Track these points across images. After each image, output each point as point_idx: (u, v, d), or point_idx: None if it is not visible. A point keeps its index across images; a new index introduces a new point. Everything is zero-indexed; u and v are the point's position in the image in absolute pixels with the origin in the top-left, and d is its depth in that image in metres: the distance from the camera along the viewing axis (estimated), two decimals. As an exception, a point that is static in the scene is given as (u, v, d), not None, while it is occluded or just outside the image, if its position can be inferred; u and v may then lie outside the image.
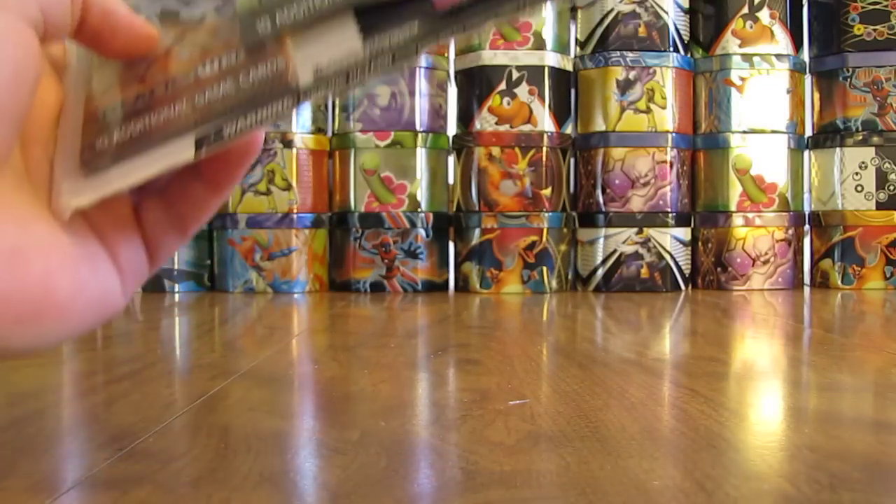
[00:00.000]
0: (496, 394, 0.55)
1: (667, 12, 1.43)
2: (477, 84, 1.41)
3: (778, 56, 1.45)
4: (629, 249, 1.41)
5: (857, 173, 1.45)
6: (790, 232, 1.44)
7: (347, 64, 0.25)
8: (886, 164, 1.44)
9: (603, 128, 1.43)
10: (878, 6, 1.45)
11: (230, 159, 0.28)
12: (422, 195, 1.43)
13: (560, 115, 1.43)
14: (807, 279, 1.52)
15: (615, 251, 1.41)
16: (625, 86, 1.42)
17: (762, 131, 1.44)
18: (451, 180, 1.47)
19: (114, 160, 0.26)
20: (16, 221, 0.24)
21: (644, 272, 1.40)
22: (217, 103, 0.25)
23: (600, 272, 1.41)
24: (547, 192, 1.40)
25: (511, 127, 1.40)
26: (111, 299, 0.27)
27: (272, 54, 0.25)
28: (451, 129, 1.49)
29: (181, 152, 0.26)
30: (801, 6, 1.52)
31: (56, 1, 0.24)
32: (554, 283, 1.39)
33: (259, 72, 0.25)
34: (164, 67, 0.26)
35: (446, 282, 1.46)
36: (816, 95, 1.52)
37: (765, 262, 1.43)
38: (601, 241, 1.41)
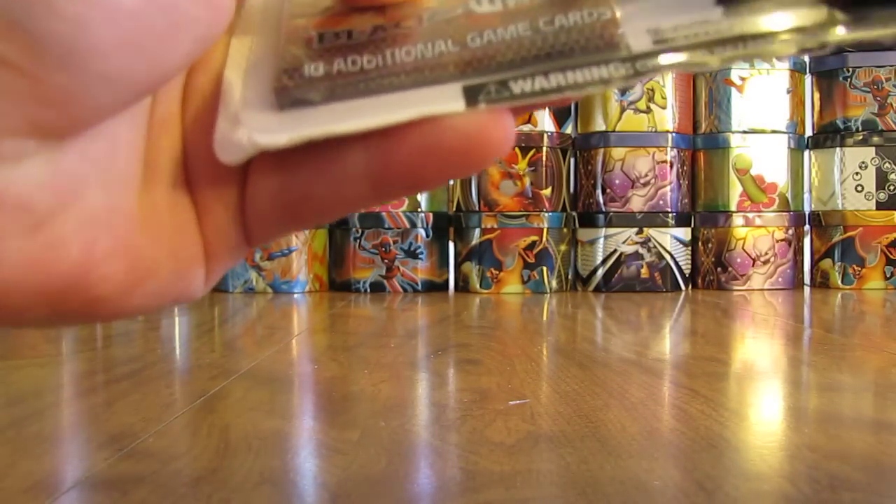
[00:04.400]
0: (496, 394, 0.55)
1: (667, 12, 1.43)
2: (477, 84, 1.41)
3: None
4: (629, 249, 1.41)
5: (857, 173, 1.45)
6: (790, 232, 1.44)
7: (700, 35, 0.18)
8: (886, 164, 1.44)
9: (603, 128, 1.43)
10: (878, 6, 1.45)
11: (441, 151, 0.18)
12: (421, 195, 1.43)
13: (560, 114, 1.43)
14: (807, 279, 1.52)
15: (615, 251, 1.41)
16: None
17: (762, 131, 1.44)
18: (450, 180, 1.47)
19: (328, 96, 0.19)
20: (56, 191, 0.18)
21: (644, 272, 1.40)
22: (503, 49, 0.18)
23: (600, 272, 1.41)
24: (547, 192, 1.40)
25: (511, 127, 1.40)
26: (186, 289, 0.20)
27: (587, 1, 0.19)
28: (451, 129, 1.49)
29: (444, 101, 0.18)
30: (801, 6, 1.52)
31: None
32: (554, 283, 1.39)
33: (570, 19, 0.18)
34: (416, 0, 0.20)
35: (446, 282, 1.46)
36: (816, 95, 1.52)
37: (765, 262, 1.43)
38: (601, 241, 1.41)
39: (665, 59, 0.18)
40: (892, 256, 1.42)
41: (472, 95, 0.18)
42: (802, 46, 0.18)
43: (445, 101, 0.18)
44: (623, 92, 1.42)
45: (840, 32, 0.18)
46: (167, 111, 0.20)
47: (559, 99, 0.18)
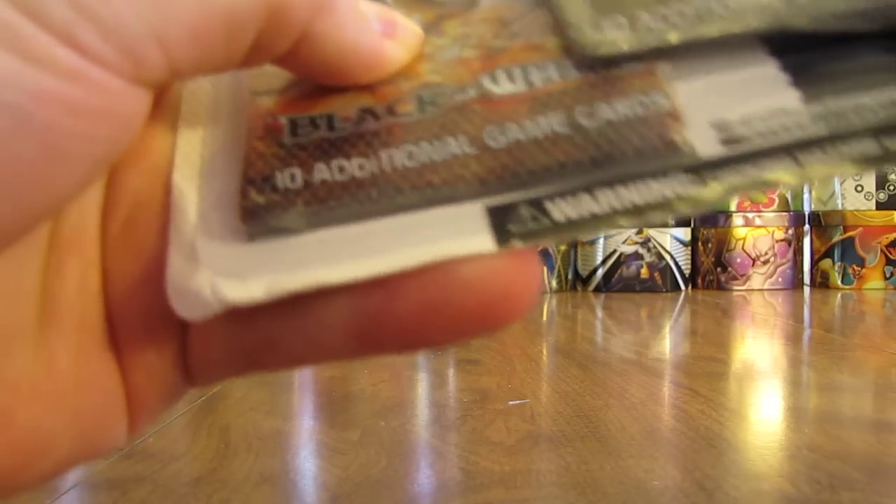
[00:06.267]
0: (496, 394, 0.55)
1: (667, 12, 1.43)
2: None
3: (778, 56, 1.45)
4: (629, 249, 1.41)
5: (856, 173, 1.45)
6: (790, 232, 1.44)
7: (779, 133, 0.14)
8: (886, 164, 1.44)
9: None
10: (878, 6, 1.45)
11: (450, 311, 0.13)
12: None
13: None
14: (807, 279, 1.52)
15: (615, 251, 1.41)
16: (625, 86, 1.42)
17: (762, 131, 1.44)
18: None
19: (313, 219, 0.14)
20: None
21: (644, 272, 1.40)
22: (533, 152, 0.14)
23: (600, 272, 1.41)
24: (547, 192, 1.40)
25: (511, 127, 1.40)
26: (99, 450, 0.16)
27: (633, 83, 0.14)
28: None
29: (465, 235, 0.13)
30: (801, 6, 1.52)
31: (200, 28, 0.13)
32: (554, 283, 1.39)
33: (617, 110, 0.14)
34: (413, 70, 0.15)
35: (446, 282, 1.45)
36: (816, 95, 1.51)
37: (765, 262, 1.43)
38: (601, 241, 1.41)
39: (741, 175, 0.13)
40: (891, 256, 1.42)
41: (500, 224, 0.13)
42: None
43: (466, 232, 0.13)
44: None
45: None
46: (78, 227, 0.15)
47: (614, 229, 0.14)
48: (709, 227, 1.45)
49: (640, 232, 1.40)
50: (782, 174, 0.13)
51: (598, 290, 1.41)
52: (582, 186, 0.13)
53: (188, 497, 0.35)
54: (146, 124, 0.15)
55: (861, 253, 1.43)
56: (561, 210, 0.13)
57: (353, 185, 0.14)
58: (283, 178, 0.14)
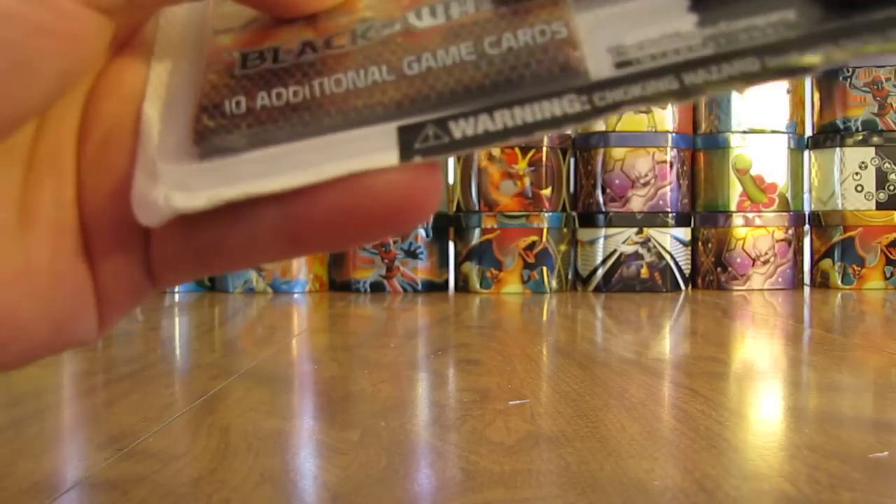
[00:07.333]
0: (496, 394, 0.55)
1: (667, 12, 1.43)
2: (477, 84, 1.41)
3: (778, 56, 1.45)
4: (629, 249, 1.41)
5: (857, 173, 1.45)
6: (790, 232, 1.44)
7: (670, 55, 0.15)
8: (886, 164, 1.44)
9: (603, 128, 1.43)
10: (878, 6, 1.45)
11: (361, 215, 0.16)
12: (422, 195, 1.42)
13: (560, 115, 1.43)
14: (807, 279, 1.52)
15: (615, 251, 1.41)
16: (625, 86, 1.42)
17: (762, 131, 1.44)
18: (450, 180, 1.47)
19: (253, 139, 0.16)
20: None
21: (644, 272, 1.40)
22: (443, 77, 0.16)
23: (600, 272, 1.41)
24: (547, 192, 1.40)
25: (511, 127, 1.40)
26: (71, 340, 0.18)
27: (539, 14, 0.16)
28: (451, 129, 1.48)
29: (374, 152, 0.15)
30: (801, 6, 1.52)
31: None
32: (554, 283, 1.39)
33: (519, 39, 0.16)
34: (351, 6, 0.17)
35: (446, 282, 1.46)
36: (816, 95, 1.52)
37: (765, 262, 1.43)
38: (601, 241, 1.41)
39: (626, 94, 0.15)
40: (891, 256, 1.42)
41: (407, 142, 0.15)
42: (784, 67, 0.15)
43: (376, 150, 0.15)
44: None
45: (827, 48, 0.15)
46: (56, 146, 0.17)
47: (504, 144, 0.15)
48: (709, 227, 1.45)
49: (640, 232, 1.40)
50: (664, 92, 0.15)
51: (598, 290, 1.41)
52: (483, 108, 0.15)
53: (188, 497, 0.35)
54: (123, 59, 0.17)
55: (861, 253, 1.43)
56: (461, 129, 0.15)
57: (288, 110, 0.16)
58: (230, 105, 0.16)
